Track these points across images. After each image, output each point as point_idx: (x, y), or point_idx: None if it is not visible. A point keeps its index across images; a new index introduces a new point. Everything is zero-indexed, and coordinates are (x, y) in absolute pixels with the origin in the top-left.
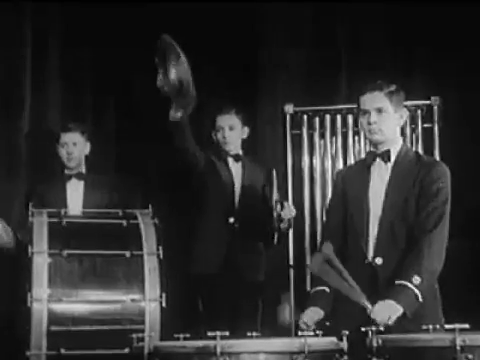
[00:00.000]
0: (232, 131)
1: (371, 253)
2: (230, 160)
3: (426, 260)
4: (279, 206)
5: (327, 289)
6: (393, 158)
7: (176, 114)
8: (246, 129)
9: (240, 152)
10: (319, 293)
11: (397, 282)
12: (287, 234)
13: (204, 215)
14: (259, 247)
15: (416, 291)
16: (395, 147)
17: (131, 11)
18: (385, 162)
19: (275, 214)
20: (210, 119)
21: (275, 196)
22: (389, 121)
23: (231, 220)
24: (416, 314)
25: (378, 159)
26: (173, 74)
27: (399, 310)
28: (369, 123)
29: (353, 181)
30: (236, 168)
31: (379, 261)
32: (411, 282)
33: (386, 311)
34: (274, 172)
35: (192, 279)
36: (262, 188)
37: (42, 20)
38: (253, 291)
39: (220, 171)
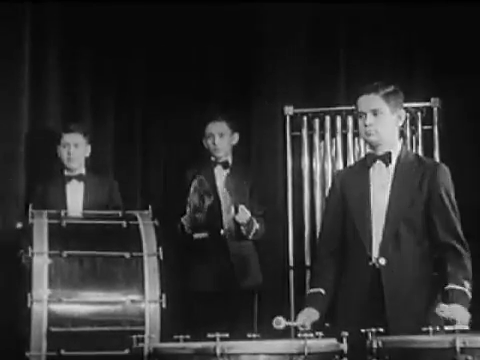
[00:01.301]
0: (222, 138)
1: (375, 254)
2: (218, 168)
3: (468, 267)
4: (233, 210)
5: (323, 291)
6: (394, 160)
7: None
8: (236, 135)
9: (229, 159)
10: (315, 295)
11: (452, 286)
12: (288, 234)
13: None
14: (250, 250)
15: (470, 296)
16: (395, 149)
17: (131, 11)
18: (386, 164)
19: (230, 218)
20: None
21: (225, 200)
22: (385, 123)
23: (222, 232)
24: None
25: (378, 161)
26: (199, 215)
27: (468, 316)
28: (365, 125)
29: (353, 183)
30: (222, 176)
31: (383, 262)
32: (464, 286)
33: (463, 312)
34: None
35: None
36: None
37: (42, 20)
38: (249, 294)
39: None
